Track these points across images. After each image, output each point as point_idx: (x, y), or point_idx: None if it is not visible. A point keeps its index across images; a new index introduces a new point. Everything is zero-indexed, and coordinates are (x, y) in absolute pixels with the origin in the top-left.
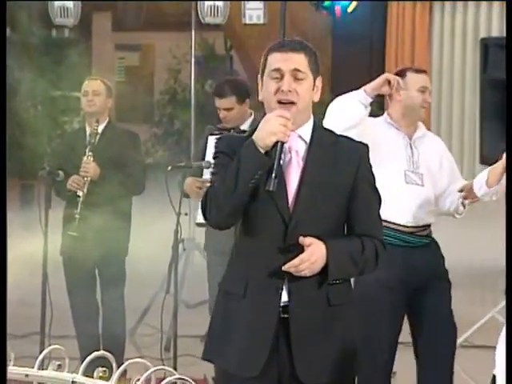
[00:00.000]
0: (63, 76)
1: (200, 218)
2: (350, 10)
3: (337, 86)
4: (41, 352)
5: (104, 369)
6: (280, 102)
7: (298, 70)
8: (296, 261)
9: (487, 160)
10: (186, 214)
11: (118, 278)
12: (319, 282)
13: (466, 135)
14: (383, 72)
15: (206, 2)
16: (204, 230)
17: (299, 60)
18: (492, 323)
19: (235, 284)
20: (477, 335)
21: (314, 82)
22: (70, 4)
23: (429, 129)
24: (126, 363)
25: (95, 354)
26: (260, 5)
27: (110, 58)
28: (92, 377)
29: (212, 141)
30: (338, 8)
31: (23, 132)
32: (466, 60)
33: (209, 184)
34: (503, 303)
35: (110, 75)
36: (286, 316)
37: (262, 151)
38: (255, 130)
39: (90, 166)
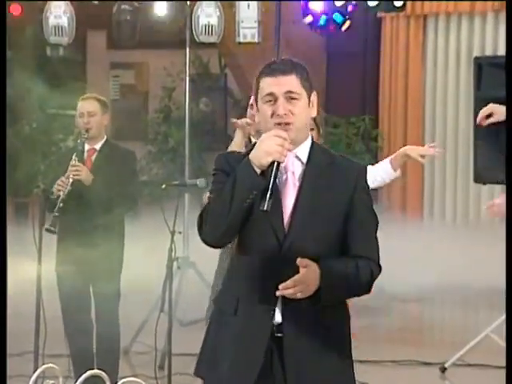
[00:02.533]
0: (58, 94)
1: None
2: (344, 28)
3: (331, 103)
4: (35, 371)
5: None
6: (277, 125)
7: (291, 92)
8: (289, 282)
9: (481, 178)
10: (180, 233)
11: (112, 296)
12: (312, 302)
13: (459, 153)
14: (377, 90)
15: (201, 21)
16: (199, 248)
17: (291, 82)
18: (486, 342)
19: (228, 302)
20: (471, 354)
21: (309, 98)
22: (65, 23)
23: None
24: (120, 382)
25: (89, 372)
26: (254, 24)
27: (105, 76)
28: None
29: None
30: (332, 27)
31: (17, 150)
32: (459, 77)
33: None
34: (497, 322)
35: (104, 93)
36: (279, 335)
37: (258, 171)
38: (253, 148)
39: (82, 168)
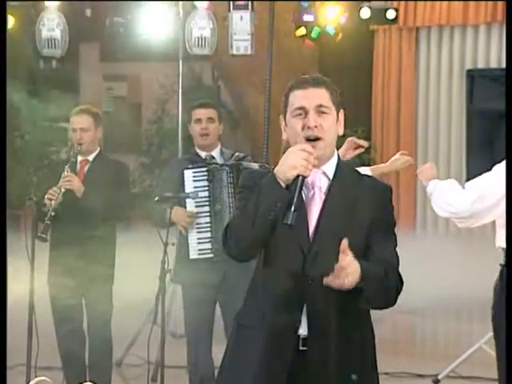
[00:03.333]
0: (51, 107)
1: (194, 254)
2: (336, 41)
3: None
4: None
5: None
6: (307, 139)
7: (322, 106)
8: (338, 269)
9: None
10: (173, 244)
11: (104, 308)
12: (339, 315)
13: (452, 164)
14: (370, 102)
15: (194, 33)
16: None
17: (322, 95)
18: (479, 354)
19: (251, 316)
20: (464, 366)
21: (338, 115)
22: (58, 35)
23: (415, 159)
24: None
25: None
26: (247, 36)
27: (98, 89)
28: None
29: (189, 174)
30: (324, 39)
31: (10, 162)
32: (452, 89)
33: (198, 216)
34: (490, 334)
35: (97, 105)
36: (304, 348)
37: (283, 184)
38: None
39: (74, 178)
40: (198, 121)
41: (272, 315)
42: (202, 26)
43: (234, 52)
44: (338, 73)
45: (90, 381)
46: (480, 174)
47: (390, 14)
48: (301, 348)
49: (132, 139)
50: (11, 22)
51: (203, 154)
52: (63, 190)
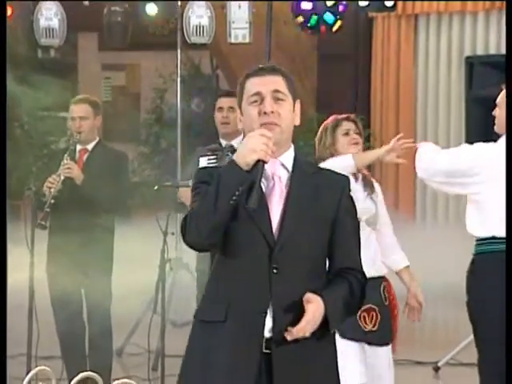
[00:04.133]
0: (49, 96)
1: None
2: (335, 28)
3: (323, 104)
4: (27, 373)
5: None
6: (263, 126)
7: (279, 91)
8: (303, 324)
9: None
10: (172, 234)
11: (103, 297)
12: (320, 333)
13: None
14: (369, 90)
15: (192, 22)
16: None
17: (278, 82)
18: None
19: (215, 311)
20: (463, 353)
21: (294, 105)
22: (56, 24)
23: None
24: (114, 383)
25: (82, 374)
26: (245, 24)
27: (97, 78)
28: None
29: (203, 161)
30: (323, 27)
31: (9, 152)
32: (451, 77)
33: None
34: None
35: (96, 95)
36: (268, 351)
37: (244, 169)
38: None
39: (73, 166)
40: (220, 109)
41: (236, 308)
42: (199, 14)
43: (233, 40)
44: (337, 61)
45: (91, 370)
46: None
47: (389, 2)
48: (264, 351)
49: (131, 129)
50: (9, 11)
51: (224, 143)
52: (62, 178)
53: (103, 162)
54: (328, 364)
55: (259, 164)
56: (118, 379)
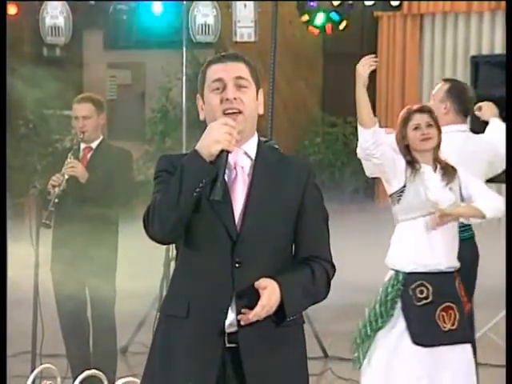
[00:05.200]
0: (55, 94)
1: None
2: (341, 27)
3: (328, 103)
4: (32, 371)
5: None
6: (225, 113)
7: (241, 78)
8: (258, 309)
9: None
10: None
11: (108, 295)
12: (277, 319)
13: None
14: (374, 89)
15: (198, 21)
16: None
17: (241, 68)
18: (484, 341)
19: (178, 305)
20: None
21: (257, 93)
22: (61, 23)
23: None
24: (118, 382)
25: (86, 373)
26: (251, 23)
27: (102, 77)
28: None
29: None
30: (328, 26)
31: (14, 150)
32: (456, 76)
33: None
34: (495, 320)
35: (101, 93)
36: (231, 346)
37: (207, 160)
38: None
39: (77, 165)
40: None
41: (198, 302)
42: (205, 13)
43: (238, 39)
44: (342, 60)
45: (95, 368)
46: None
47: (394, 2)
48: (227, 345)
49: (136, 127)
50: (15, 9)
51: None
52: (67, 177)
53: (107, 160)
54: (296, 352)
55: (223, 154)
56: (122, 378)
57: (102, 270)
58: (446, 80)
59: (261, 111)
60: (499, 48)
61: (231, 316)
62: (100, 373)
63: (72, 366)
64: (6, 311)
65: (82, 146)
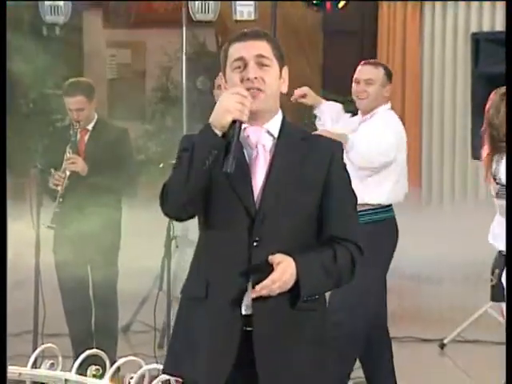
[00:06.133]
0: (55, 74)
1: None
2: (340, 6)
3: (328, 82)
4: (34, 351)
5: (97, 367)
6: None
7: (263, 56)
8: (268, 281)
9: (479, 155)
10: None
11: (110, 275)
12: (292, 297)
13: (457, 130)
14: None
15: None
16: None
17: (262, 46)
18: (485, 318)
19: (197, 286)
20: (470, 330)
21: (281, 71)
22: (61, 2)
23: (420, 126)
24: (119, 361)
25: (88, 352)
26: (251, 1)
27: (102, 56)
28: (85, 375)
29: None
30: (328, 4)
31: (15, 130)
32: (456, 56)
33: None
34: None
35: (101, 73)
36: (249, 329)
37: (219, 133)
38: None
39: (77, 159)
40: (220, 87)
41: (217, 282)
42: None
43: (238, 17)
44: (342, 38)
45: (97, 347)
46: None
47: None
48: (245, 328)
49: (136, 106)
50: None
51: None
52: (68, 173)
53: (105, 138)
54: (312, 341)
55: (235, 125)
56: (123, 357)
57: (105, 250)
58: (381, 64)
59: (284, 90)
60: (500, 25)
61: (248, 297)
62: (101, 352)
63: (74, 345)
64: (6, 291)
65: (78, 130)
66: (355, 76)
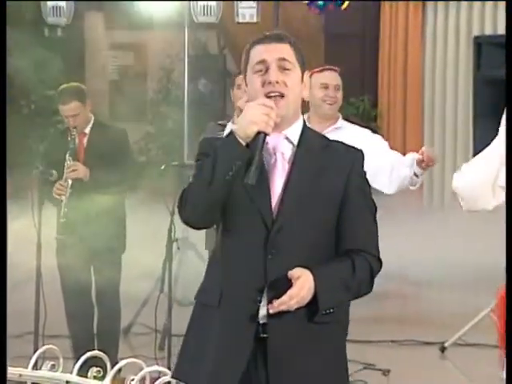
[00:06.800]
0: (56, 75)
1: None
2: (343, 7)
3: None
4: (35, 352)
5: (98, 369)
6: (268, 96)
7: (285, 60)
8: (286, 297)
9: None
10: None
11: (113, 277)
12: (311, 311)
13: (459, 133)
14: (376, 70)
15: (200, 1)
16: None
17: (285, 49)
18: (486, 321)
19: (210, 294)
20: (470, 333)
21: (302, 76)
22: (63, 3)
23: (422, 128)
24: (121, 363)
25: (89, 353)
26: (253, 3)
27: (103, 58)
28: (86, 376)
29: None
30: (331, 6)
31: (16, 131)
32: (458, 58)
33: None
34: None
35: (103, 74)
36: (264, 336)
37: (243, 142)
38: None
39: (78, 166)
40: (239, 86)
41: (230, 293)
42: None
43: (240, 20)
44: (344, 40)
45: (98, 349)
46: (487, 142)
47: None
48: (261, 335)
49: (137, 108)
50: None
51: None
52: (70, 182)
53: (104, 140)
54: (328, 354)
55: (260, 136)
56: (124, 358)
57: (108, 252)
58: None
59: (305, 95)
60: (502, 28)
61: (264, 308)
62: (102, 354)
63: (75, 347)
64: (6, 292)
65: (76, 135)
66: (323, 81)
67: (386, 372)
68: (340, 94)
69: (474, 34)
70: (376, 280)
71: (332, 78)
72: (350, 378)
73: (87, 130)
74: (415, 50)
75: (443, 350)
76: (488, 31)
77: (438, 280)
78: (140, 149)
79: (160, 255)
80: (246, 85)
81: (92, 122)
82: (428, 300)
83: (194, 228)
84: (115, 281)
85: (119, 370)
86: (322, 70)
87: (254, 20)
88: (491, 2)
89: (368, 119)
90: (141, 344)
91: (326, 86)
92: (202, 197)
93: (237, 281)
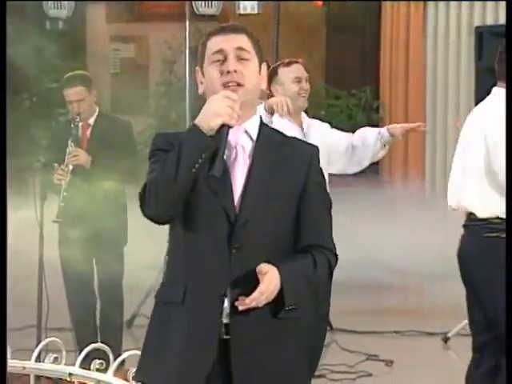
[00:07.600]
0: (58, 68)
1: None
2: None
3: (331, 75)
4: (37, 345)
5: (101, 361)
6: (225, 86)
7: (243, 49)
8: (257, 293)
9: None
10: None
11: (116, 269)
12: (275, 306)
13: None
14: (378, 61)
15: None
16: None
17: (242, 40)
18: None
19: (173, 291)
20: None
21: (260, 67)
22: None
23: (424, 119)
24: (124, 355)
25: (92, 345)
26: None
27: (105, 50)
28: (89, 369)
29: None
30: None
31: (18, 124)
32: (460, 50)
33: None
34: None
35: (104, 67)
36: (226, 337)
37: (206, 135)
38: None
39: (80, 152)
40: None
41: (194, 288)
42: None
43: (241, 11)
44: (346, 32)
45: (101, 341)
46: None
47: None
48: (224, 337)
49: (139, 101)
50: None
51: None
52: (71, 167)
53: (108, 132)
54: (293, 350)
55: (224, 129)
56: (128, 351)
57: (110, 245)
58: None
59: (263, 86)
60: (503, 18)
61: (227, 304)
62: (105, 346)
63: (78, 339)
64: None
65: (80, 123)
66: (296, 75)
67: (389, 363)
68: (308, 86)
69: (475, 24)
70: (379, 271)
71: (301, 70)
72: (354, 369)
73: (91, 121)
74: (417, 40)
75: (446, 340)
76: (490, 20)
77: (440, 270)
78: (144, 142)
79: (163, 247)
80: (203, 76)
81: (96, 113)
82: (431, 290)
83: (157, 223)
84: (118, 272)
85: (122, 362)
86: (289, 64)
87: (256, 11)
88: (492, 1)
89: (370, 110)
90: (144, 336)
91: (299, 80)
92: (167, 191)
93: (201, 276)
